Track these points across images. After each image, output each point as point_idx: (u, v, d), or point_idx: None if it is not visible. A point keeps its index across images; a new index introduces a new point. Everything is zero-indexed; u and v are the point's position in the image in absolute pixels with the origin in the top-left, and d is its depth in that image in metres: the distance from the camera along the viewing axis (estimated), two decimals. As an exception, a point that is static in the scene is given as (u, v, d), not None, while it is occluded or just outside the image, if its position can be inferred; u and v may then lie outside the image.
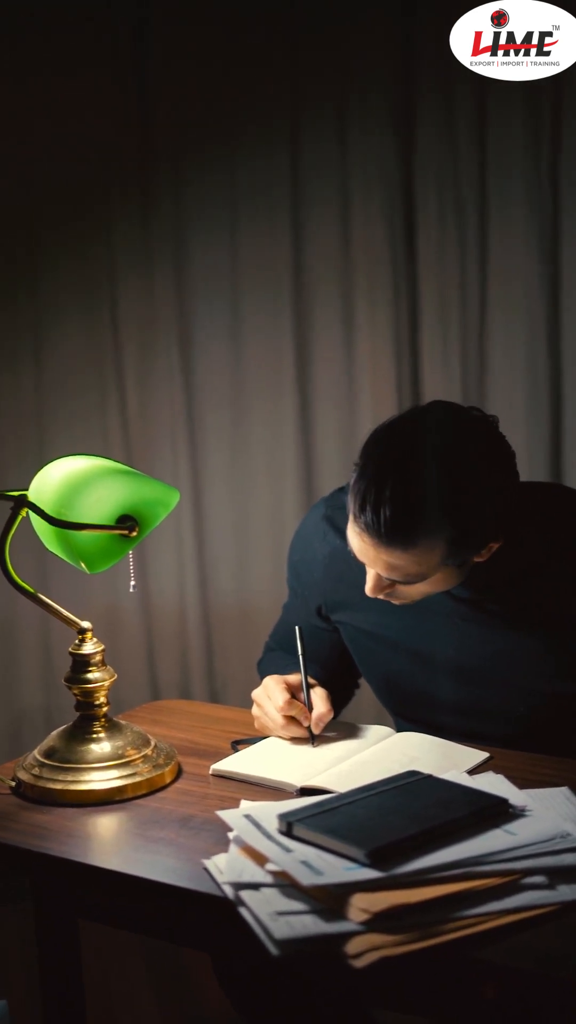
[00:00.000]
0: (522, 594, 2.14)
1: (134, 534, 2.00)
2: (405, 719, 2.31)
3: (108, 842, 1.88)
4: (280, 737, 2.15)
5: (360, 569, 2.14)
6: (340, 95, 3.53)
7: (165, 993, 3.13)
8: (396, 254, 3.64)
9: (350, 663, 2.37)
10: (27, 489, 2.02)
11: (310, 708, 2.13)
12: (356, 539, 2.02)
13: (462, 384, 3.69)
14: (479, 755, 2.06)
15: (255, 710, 2.18)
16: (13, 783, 2.00)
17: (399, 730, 2.22)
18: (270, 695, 2.14)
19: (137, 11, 3.41)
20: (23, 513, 1.99)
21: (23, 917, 3.38)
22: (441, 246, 3.63)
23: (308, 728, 2.12)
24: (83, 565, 1.99)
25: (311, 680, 2.18)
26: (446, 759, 2.03)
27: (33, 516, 1.99)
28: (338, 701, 2.31)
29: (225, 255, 3.57)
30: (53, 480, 1.98)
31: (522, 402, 3.69)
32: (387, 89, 3.54)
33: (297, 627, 2.20)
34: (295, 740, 2.14)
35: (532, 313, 3.65)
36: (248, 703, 2.25)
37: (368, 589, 2.06)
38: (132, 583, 2.12)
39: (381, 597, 2.08)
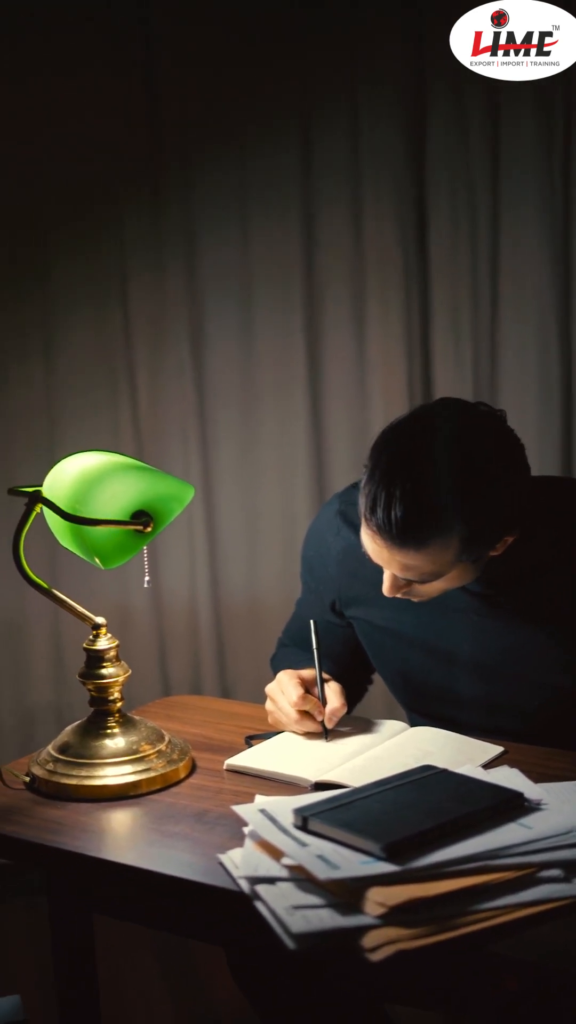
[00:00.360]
0: (535, 589, 2.14)
1: (148, 530, 2.00)
2: (419, 714, 2.31)
3: (123, 837, 1.88)
4: (294, 732, 2.15)
5: (374, 565, 2.14)
6: (350, 93, 3.54)
7: (176, 987, 3.13)
8: (407, 253, 3.64)
9: (363, 659, 2.38)
10: (40, 485, 2.02)
11: (324, 703, 2.13)
12: (369, 541, 2.02)
13: (473, 382, 3.70)
14: (493, 749, 2.06)
15: (269, 705, 2.18)
16: (28, 778, 2.01)
17: (412, 725, 2.22)
18: (284, 690, 2.14)
19: (137, 10, 3.40)
20: (37, 509, 1.99)
21: (35, 913, 3.40)
22: (453, 244, 3.64)
23: (322, 723, 2.13)
24: (98, 561, 1.99)
25: (325, 675, 2.18)
26: (460, 753, 2.03)
27: (47, 512, 1.99)
28: (351, 697, 2.31)
29: (235, 252, 3.58)
30: (67, 476, 1.98)
31: (533, 400, 3.70)
32: (397, 88, 3.54)
33: (312, 621, 2.20)
34: (309, 735, 2.14)
35: (543, 312, 3.65)
36: (260, 699, 2.25)
37: (385, 590, 2.06)
38: (147, 579, 2.13)
39: (399, 596, 2.08)
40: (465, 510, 1.95)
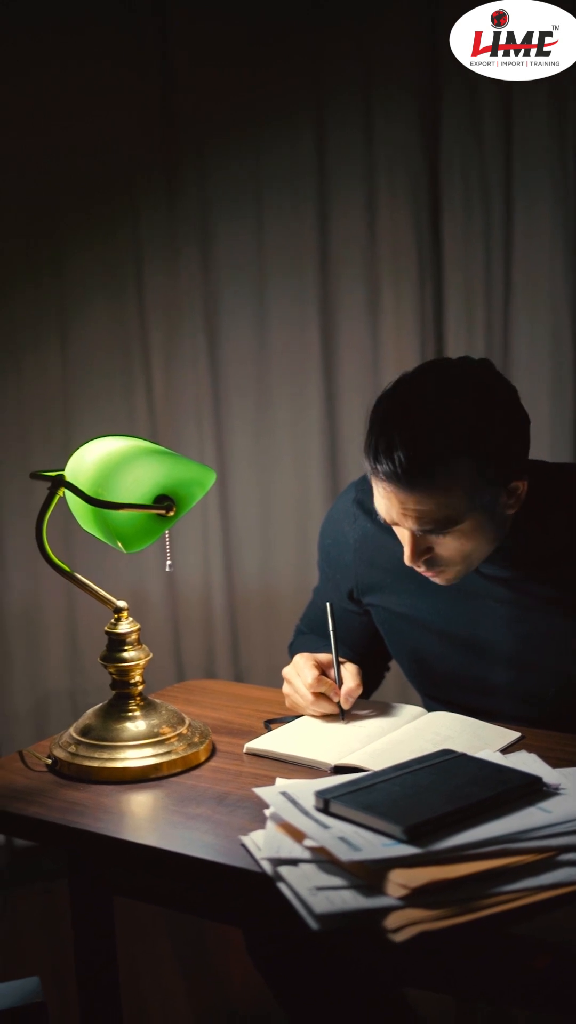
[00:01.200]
0: (553, 575, 2.15)
1: (171, 514, 2.01)
2: (435, 700, 2.32)
3: (145, 819, 1.90)
4: (310, 714, 2.16)
5: (391, 552, 2.15)
6: (365, 83, 3.55)
7: (190, 971, 3.15)
8: (421, 242, 3.66)
9: (380, 647, 2.39)
10: (59, 470, 2.04)
11: (340, 684, 2.14)
12: (381, 498, 2.04)
13: (486, 369, 3.71)
14: (511, 734, 2.07)
15: (286, 688, 2.20)
16: (50, 761, 2.02)
17: (428, 711, 2.23)
18: (300, 672, 2.16)
19: (154, 3, 3.41)
20: (60, 493, 2.01)
21: (51, 896, 3.42)
22: (466, 236, 3.65)
23: (338, 703, 2.14)
24: (120, 545, 2.00)
25: (341, 658, 2.19)
26: (478, 738, 2.04)
27: (70, 496, 2.00)
28: (368, 684, 2.33)
29: (250, 241, 3.59)
30: (90, 461, 1.99)
31: (546, 389, 3.71)
32: (411, 77, 3.55)
33: (328, 603, 2.22)
34: (327, 718, 2.15)
35: (555, 302, 3.67)
36: (273, 685, 2.26)
37: (407, 557, 2.07)
38: (168, 563, 2.14)
39: (421, 570, 2.09)
40: (465, 441, 1.97)
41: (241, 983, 3.07)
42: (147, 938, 3.27)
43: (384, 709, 2.21)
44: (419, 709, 2.21)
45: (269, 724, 2.18)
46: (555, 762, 1.89)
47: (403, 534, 2.07)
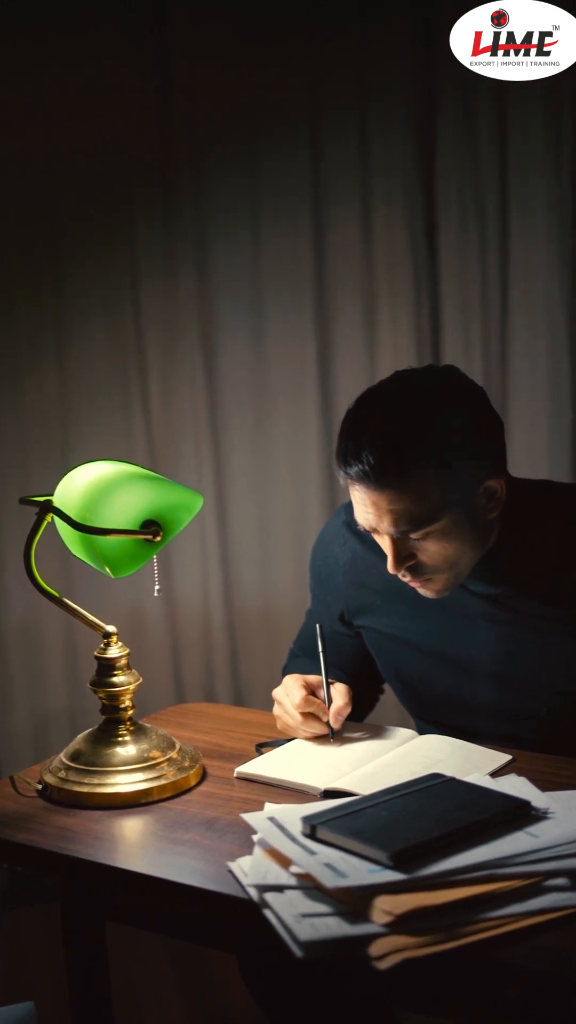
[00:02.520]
0: (544, 593, 2.14)
1: (158, 539, 2.01)
2: (427, 722, 2.32)
3: (134, 844, 1.90)
4: (300, 735, 2.16)
5: (380, 573, 2.15)
6: (361, 97, 3.55)
7: (189, 993, 3.14)
8: (417, 256, 3.66)
9: (372, 669, 2.39)
10: (51, 494, 2.04)
11: (329, 704, 2.14)
12: (358, 504, 2.05)
13: (484, 385, 3.69)
14: (502, 757, 2.07)
15: (276, 709, 2.20)
16: (40, 786, 2.02)
17: (421, 733, 2.23)
18: (288, 693, 2.16)
19: (155, 14, 3.42)
20: (48, 518, 2.01)
21: (49, 919, 3.41)
22: (462, 248, 3.65)
23: (327, 723, 2.14)
24: (108, 570, 2.01)
25: (331, 679, 2.19)
26: (468, 762, 2.04)
27: (58, 521, 2.01)
28: (361, 707, 2.33)
29: (247, 256, 3.59)
30: (78, 486, 2.00)
31: (544, 406, 3.70)
32: (407, 91, 3.55)
33: (318, 625, 2.22)
34: (318, 740, 2.15)
35: (553, 314, 3.66)
36: (272, 704, 2.26)
37: (389, 565, 2.07)
38: (156, 587, 2.14)
39: (408, 580, 2.09)
40: (430, 437, 2.00)
41: (239, 996, 3.05)
42: (143, 952, 3.26)
43: (375, 732, 2.20)
44: (410, 732, 2.20)
45: (260, 748, 2.17)
46: (545, 785, 1.89)
47: (384, 541, 2.07)
